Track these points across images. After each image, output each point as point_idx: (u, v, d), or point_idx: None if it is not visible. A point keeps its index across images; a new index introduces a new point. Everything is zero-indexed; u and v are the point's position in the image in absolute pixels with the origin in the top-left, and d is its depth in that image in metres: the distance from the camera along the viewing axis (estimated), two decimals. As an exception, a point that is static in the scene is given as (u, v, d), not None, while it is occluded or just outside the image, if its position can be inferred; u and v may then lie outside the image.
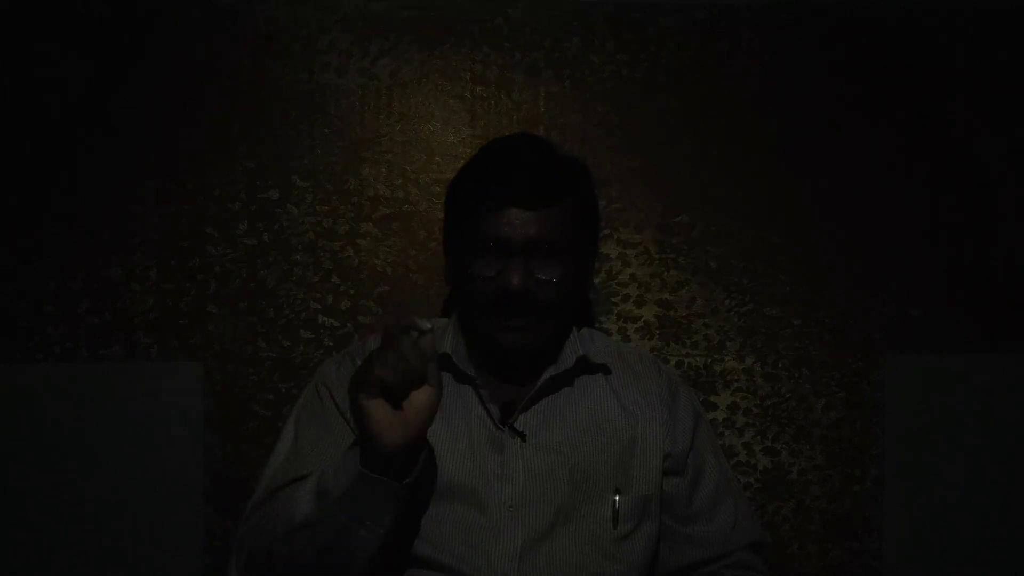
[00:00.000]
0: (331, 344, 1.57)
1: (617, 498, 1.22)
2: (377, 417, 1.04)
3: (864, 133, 1.63)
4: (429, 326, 1.05)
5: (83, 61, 1.55)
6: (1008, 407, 1.64)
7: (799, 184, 1.63)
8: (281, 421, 1.49)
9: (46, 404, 1.53)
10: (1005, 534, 1.63)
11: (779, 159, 1.63)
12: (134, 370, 1.55)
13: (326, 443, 1.21)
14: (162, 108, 1.56)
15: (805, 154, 1.63)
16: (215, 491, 1.55)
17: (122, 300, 1.55)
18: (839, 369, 1.62)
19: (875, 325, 1.63)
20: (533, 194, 1.19)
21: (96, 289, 1.55)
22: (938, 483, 1.62)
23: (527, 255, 1.19)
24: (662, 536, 1.28)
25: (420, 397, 1.06)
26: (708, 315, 1.62)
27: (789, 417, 1.62)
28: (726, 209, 1.62)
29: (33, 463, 1.53)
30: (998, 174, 1.64)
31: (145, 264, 1.56)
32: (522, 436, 1.23)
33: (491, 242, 1.19)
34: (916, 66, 1.64)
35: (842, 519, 1.61)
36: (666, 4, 1.62)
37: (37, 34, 1.55)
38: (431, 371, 1.06)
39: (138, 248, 1.56)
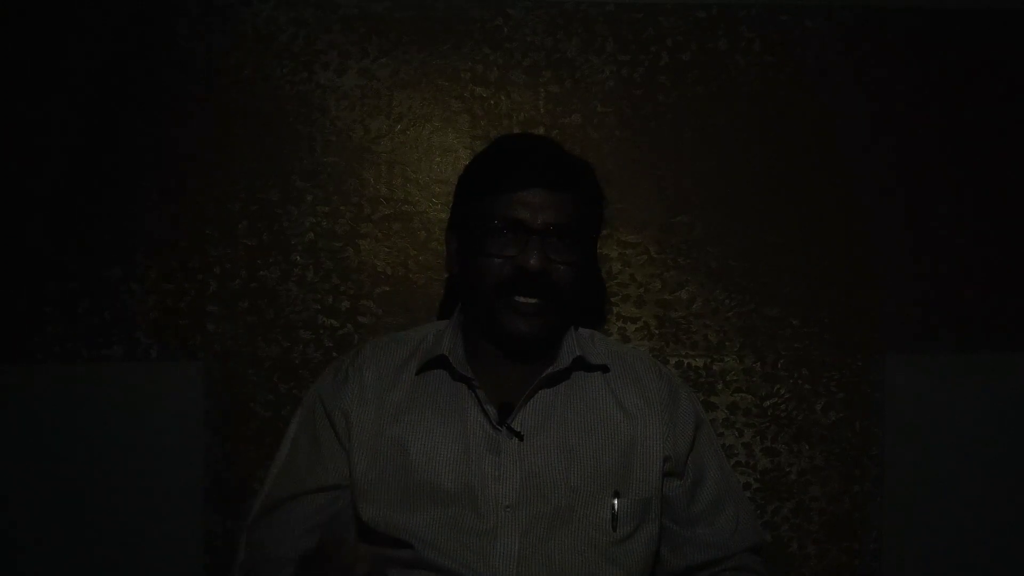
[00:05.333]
0: (331, 344, 1.57)
1: (616, 501, 1.21)
2: None
3: (864, 133, 1.63)
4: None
5: (83, 61, 1.55)
6: (1008, 407, 1.64)
7: (799, 184, 1.62)
8: (281, 421, 1.50)
9: (46, 404, 1.53)
10: (1005, 534, 1.63)
11: (779, 159, 1.62)
12: (134, 370, 1.55)
13: (315, 459, 1.26)
14: (162, 108, 1.56)
15: (805, 154, 1.63)
16: (215, 491, 1.55)
17: (122, 300, 1.55)
18: (839, 369, 1.62)
19: (875, 325, 1.63)
20: (553, 176, 1.23)
21: (96, 289, 1.55)
22: (938, 483, 1.62)
23: (543, 237, 1.21)
24: (663, 538, 1.28)
25: None
26: (708, 315, 1.62)
27: (789, 417, 1.62)
28: (726, 209, 1.62)
29: (33, 463, 1.53)
30: (998, 174, 1.64)
31: (145, 264, 1.56)
32: (519, 436, 1.22)
33: (510, 222, 1.21)
34: (916, 65, 1.63)
35: (842, 519, 1.61)
36: (666, 4, 1.61)
37: (36, 34, 1.54)
38: None
39: (138, 248, 1.56)
